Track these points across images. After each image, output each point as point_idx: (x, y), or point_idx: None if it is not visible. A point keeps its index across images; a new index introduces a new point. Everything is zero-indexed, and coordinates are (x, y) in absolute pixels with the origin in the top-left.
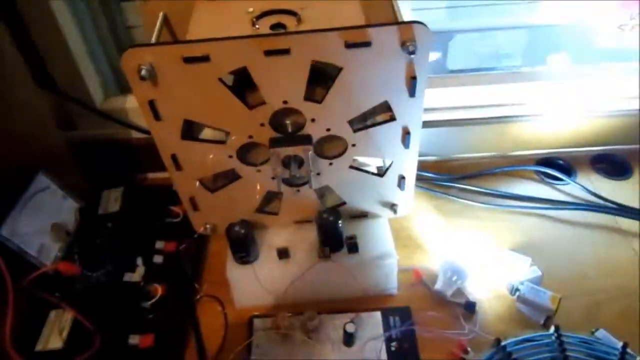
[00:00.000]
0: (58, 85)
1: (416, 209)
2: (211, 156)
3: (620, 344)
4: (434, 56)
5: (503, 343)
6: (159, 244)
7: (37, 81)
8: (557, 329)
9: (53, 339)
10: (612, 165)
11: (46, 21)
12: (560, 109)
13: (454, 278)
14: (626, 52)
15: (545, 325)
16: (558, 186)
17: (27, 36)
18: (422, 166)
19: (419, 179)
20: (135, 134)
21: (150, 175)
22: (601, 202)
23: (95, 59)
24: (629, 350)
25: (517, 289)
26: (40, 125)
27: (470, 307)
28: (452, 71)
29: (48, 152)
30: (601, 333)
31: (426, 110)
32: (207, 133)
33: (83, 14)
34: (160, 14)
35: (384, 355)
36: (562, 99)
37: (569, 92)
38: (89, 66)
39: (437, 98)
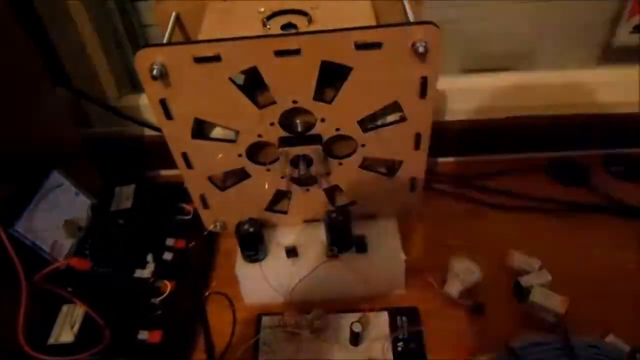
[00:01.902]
0: (73, 83)
1: (426, 209)
2: (221, 155)
3: (629, 349)
4: (446, 55)
5: (510, 346)
6: (170, 241)
7: (53, 78)
8: (565, 333)
9: (65, 332)
10: (627, 166)
11: (62, 19)
12: (574, 109)
13: (463, 279)
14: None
15: (554, 329)
16: (571, 188)
17: (43, 34)
18: (434, 165)
19: (430, 179)
20: (148, 132)
21: (163, 172)
22: (614, 204)
23: (110, 57)
24: (638, 356)
25: (527, 292)
26: (56, 122)
27: (478, 309)
28: (465, 70)
29: (63, 149)
30: (610, 338)
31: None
32: (217, 132)
33: (98, 13)
34: (173, 14)
35: (390, 356)
36: (577, 98)
37: (583, 91)
38: (104, 64)
39: (449, 97)
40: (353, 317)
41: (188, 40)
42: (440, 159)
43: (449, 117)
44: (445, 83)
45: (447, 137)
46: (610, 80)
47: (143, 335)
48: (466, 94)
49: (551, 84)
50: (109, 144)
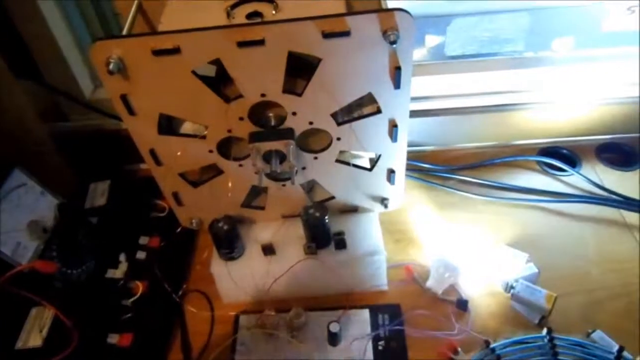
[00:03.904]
0: (42, 76)
1: (411, 201)
2: (190, 151)
3: (616, 347)
4: (431, 42)
5: (492, 345)
6: (143, 240)
7: (15, 71)
8: (549, 330)
9: (33, 336)
10: (619, 155)
11: (30, 9)
12: (564, 96)
13: (446, 275)
14: (635, 35)
15: (540, 325)
16: (561, 177)
17: (6, 26)
18: (419, 156)
19: (415, 169)
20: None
21: (143, 165)
22: (606, 194)
23: (83, 48)
24: (625, 353)
25: (512, 287)
26: (19, 118)
27: (462, 305)
28: (451, 57)
29: (28, 146)
30: (598, 335)
31: (424, 98)
32: (187, 127)
33: (68, 1)
34: (135, 3)
35: (369, 355)
36: (566, 85)
37: (574, 78)
38: (76, 55)
39: (435, 85)
40: (333, 315)
41: (147, 32)
42: (428, 148)
43: (435, 105)
44: (429, 69)
45: (432, 125)
46: (603, 64)
47: (113, 338)
48: (451, 81)
49: (541, 68)
50: (85, 139)
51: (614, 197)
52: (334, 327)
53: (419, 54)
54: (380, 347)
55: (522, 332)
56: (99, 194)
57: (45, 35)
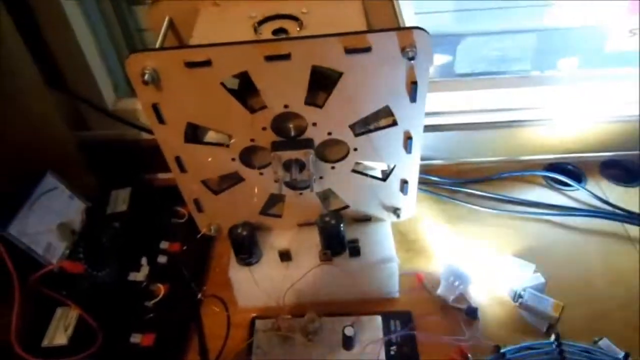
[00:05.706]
0: (68, 86)
1: (421, 212)
2: (214, 159)
3: (622, 354)
4: (441, 60)
5: (502, 350)
6: (164, 244)
7: (47, 81)
8: (557, 337)
9: (58, 335)
10: (623, 171)
11: (58, 22)
12: (570, 113)
13: (456, 283)
14: (636, 56)
15: (548, 333)
16: (566, 192)
17: (37, 36)
18: (429, 170)
19: (426, 182)
20: (146, 135)
21: (160, 175)
22: (610, 208)
23: (108, 61)
24: None
25: (520, 296)
26: (50, 125)
27: (471, 313)
28: (460, 75)
29: (57, 152)
30: (604, 342)
31: (434, 114)
32: (211, 136)
33: (95, 16)
34: (166, 19)
35: (382, 359)
36: (572, 103)
37: (579, 96)
38: (101, 67)
39: (445, 102)
40: (346, 320)
41: (181, 45)
42: (438, 162)
43: (445, 120)
44: (440, 86)
45: (442, 140)
46: (606, 84)
47: (136, 338)
48: (461, 97)
49: (547, 87)
50: (106, 147)
51: (617, 211)
52: (349, 331)
53: (430, 71)
54: (392, 352)
55: (530, 339)
56: (120, 200)
57: (72, 47)
